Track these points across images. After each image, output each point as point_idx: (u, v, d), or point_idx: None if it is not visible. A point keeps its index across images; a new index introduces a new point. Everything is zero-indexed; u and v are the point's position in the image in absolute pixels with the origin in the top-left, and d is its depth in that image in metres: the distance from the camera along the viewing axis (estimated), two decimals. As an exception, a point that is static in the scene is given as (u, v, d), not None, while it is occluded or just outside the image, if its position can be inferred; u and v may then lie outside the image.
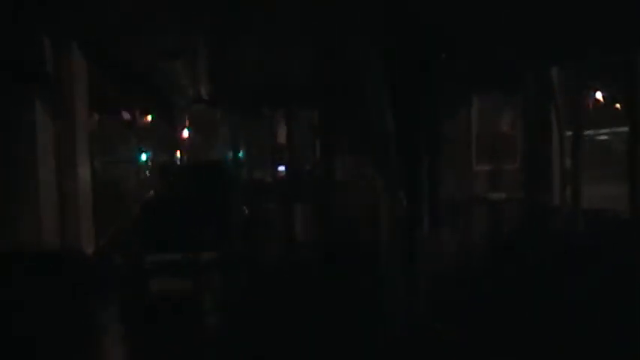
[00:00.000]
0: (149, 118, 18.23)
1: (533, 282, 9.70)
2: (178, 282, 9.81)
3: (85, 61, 11.26)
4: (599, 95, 13.60)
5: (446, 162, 11.54)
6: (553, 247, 10.86)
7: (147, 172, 17.63)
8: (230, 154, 18.89)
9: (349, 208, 12.82)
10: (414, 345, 8.00)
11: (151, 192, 15.00)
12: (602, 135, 14.03)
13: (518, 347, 7.98)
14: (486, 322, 8.49)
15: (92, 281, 8.99)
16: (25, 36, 9.48)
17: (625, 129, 11.98)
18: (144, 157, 18.32)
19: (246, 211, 13.03)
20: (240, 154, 18.69)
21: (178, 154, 22.20)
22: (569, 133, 12.29)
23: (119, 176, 14.92)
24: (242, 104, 13.34)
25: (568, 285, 9.45)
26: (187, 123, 20.91)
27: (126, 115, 15.75)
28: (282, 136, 18.80)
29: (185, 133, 20.92)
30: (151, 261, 10.48)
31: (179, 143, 21.72)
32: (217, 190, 13.19)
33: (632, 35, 10.51)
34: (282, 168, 17.43)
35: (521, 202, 12.24)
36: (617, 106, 13.39)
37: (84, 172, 11.04)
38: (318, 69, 13.24)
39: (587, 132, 13.52)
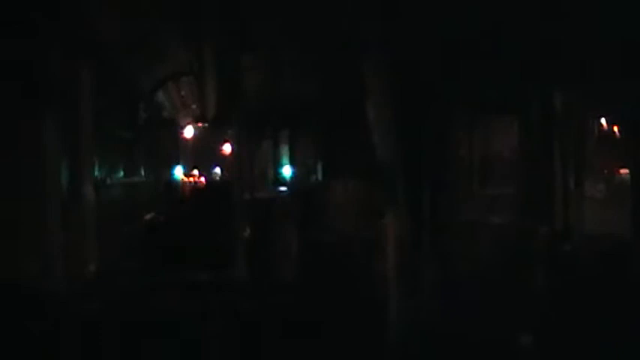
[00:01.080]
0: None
1: (535, 306, 9.73)
2: (181, 301, 9.83)
3: (91, 78, 11.34)
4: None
5: (447, 186, 11.60)
6: (554, 271, 10.89)
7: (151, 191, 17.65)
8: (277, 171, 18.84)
9: (350, 230, 12.86)
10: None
11: (155, 211, 15.04)
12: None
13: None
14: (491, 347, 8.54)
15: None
16: (37, 53, 9.57)
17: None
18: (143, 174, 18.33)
19: (248, 231, 13.05)
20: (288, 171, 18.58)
21: (218, 170, 22.24)
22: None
23: (124, 195, 14.95)
24: (245, 124, 13.44)
25: (570, 308, 9.49)
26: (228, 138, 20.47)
27: (130, 134, 15.83)
28: (285, 157, 18.90)
29: (227, 148, 20.60)
30: (155, 281, 10.52)
31: (220, 159, 21.65)
32: (221, 209, 13.24)
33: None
34: (283, 188, 17.52)
35: (522, 226, 12.28)
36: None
37: (88, 190, 11.09)
38: (323, 91, 13.34)
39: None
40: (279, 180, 18.25)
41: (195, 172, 22.86)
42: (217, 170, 22.74)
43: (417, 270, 9.12)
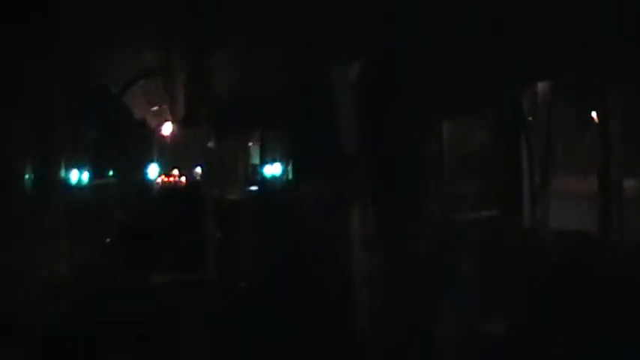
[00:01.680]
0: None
1: (505, 301, 9.79)
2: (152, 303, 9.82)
3: (58, 78, 11.28)
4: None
5: (417, 182, 11.63)
6: (524, 265, 10.95)
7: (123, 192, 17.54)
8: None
9: (321, 227, 12.88)
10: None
11: (126, 213, 15.00)
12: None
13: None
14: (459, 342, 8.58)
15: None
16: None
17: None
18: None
19: (218, 233, 13.01)
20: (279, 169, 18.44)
21: (199, 170, 22.07)
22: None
23: (94, 196, 14.89)
24: (215, 124, 13.41)
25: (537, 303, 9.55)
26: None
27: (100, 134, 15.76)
28: (254, 157, 18.88)
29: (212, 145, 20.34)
30: (127, 282, 10.50)
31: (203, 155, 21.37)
32: (192, 210, 13.21)
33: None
34: (254, 188, 17.48)
35: (491, 221, 12.34)
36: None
37: (56, 193, 11.04)
38: (292, 90, 13.34)
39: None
40: (255, 179, 18.21)
41: (175, 171, 22.70)
42: (198, 170, 22.60)
43: (385, 265, 9.14)
